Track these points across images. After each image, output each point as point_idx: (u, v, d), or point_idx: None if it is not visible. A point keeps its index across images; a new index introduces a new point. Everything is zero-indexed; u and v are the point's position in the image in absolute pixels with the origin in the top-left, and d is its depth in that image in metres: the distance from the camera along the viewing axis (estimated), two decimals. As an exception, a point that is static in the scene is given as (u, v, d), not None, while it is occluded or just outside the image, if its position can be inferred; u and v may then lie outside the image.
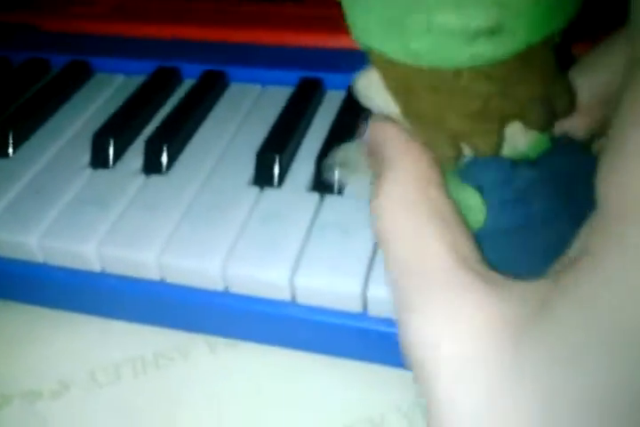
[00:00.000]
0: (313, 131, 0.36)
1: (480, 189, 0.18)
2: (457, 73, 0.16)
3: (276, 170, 0.32)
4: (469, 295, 0.15)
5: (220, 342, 0.31)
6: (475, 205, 0.18)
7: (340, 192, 0.31)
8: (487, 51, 0.16)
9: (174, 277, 0.29)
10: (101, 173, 0.34)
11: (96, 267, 0.30)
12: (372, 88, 0.18)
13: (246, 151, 0.34)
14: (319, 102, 0.38)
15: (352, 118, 0.34)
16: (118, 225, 0.30)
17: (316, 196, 0.30)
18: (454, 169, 0.18)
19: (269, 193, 0.31)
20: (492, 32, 0.15)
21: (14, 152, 0.36)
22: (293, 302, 0.27)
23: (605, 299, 0.12)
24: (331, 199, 0.30)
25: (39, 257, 0.31)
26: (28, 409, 0.30)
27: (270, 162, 0.32)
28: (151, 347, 0.31)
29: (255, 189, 0.31)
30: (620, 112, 0.13)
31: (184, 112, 0.36)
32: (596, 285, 0.12)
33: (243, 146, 0.34)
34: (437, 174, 0.17)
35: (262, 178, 0.32)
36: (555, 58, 0.18)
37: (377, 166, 0.18)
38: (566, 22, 0.17)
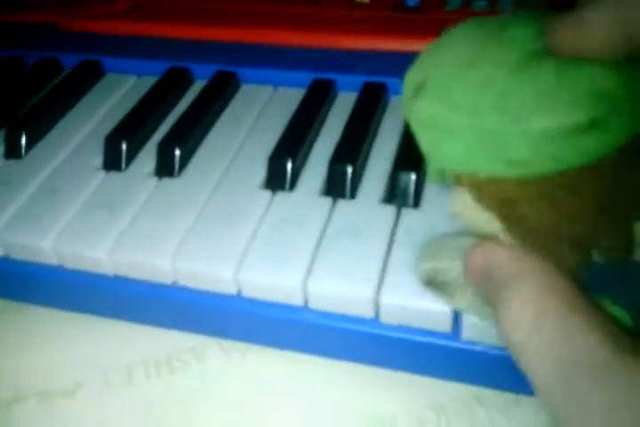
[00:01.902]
0: (325, 133, 0.36)
1: (623, 305, 0.17)
2: (563, 176, 0.15)
3: (289, 174, 0.32)
4: None
5: (233, 345, 0.31)
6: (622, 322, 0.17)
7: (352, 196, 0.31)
8: (592, 146, 0.15)
9: (187, 281, 0.29)
10: (114, 175, 0.34)
11: (109, 271, 0.30)
12: (468, 209, 0.18)
13: (258, 154, 0.34)
14: (331, 104, 0.38)
15: (364, 121, 0.35)
16: (130, 229, 0.30)
17: (328, 200, 0.31)
18: (581, 277, 0.17)
19: (282, 197, 0.31)
20: (594, 125, 0.14)
21: (27, 153, 0.36)
22: (306, 308, 0.28)
23: None
24: (343, 203, 0.30)
25: (53, 260, 0.31)
26: (42, 409, 0.30)
27: (283, 166, 0.32)
28: (164, 349, 0.31)
29: (267, 193, 0.31)
30: None
31: (196, 114, 0.36)
32: None
33: (255, 148, 0.34)
34: (566, 282, 0.17)
35: (275, 182, 0.32)
36: None
37: (491, 292, 0.18)
38: None
